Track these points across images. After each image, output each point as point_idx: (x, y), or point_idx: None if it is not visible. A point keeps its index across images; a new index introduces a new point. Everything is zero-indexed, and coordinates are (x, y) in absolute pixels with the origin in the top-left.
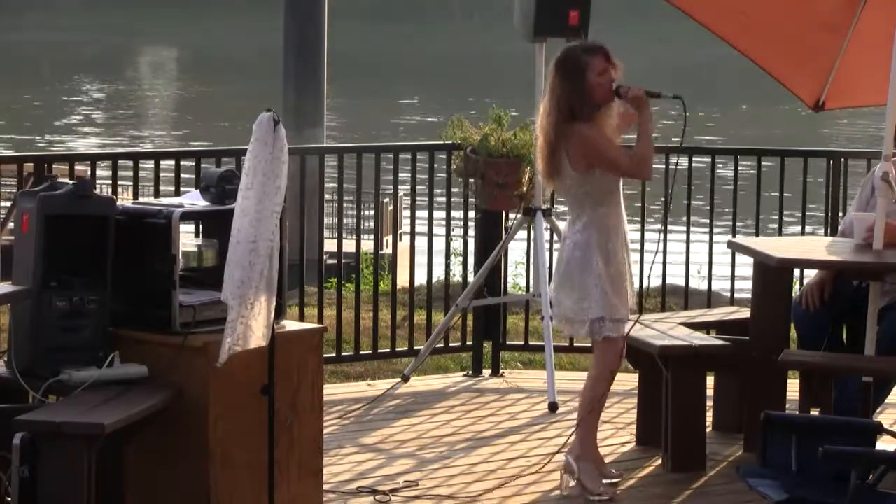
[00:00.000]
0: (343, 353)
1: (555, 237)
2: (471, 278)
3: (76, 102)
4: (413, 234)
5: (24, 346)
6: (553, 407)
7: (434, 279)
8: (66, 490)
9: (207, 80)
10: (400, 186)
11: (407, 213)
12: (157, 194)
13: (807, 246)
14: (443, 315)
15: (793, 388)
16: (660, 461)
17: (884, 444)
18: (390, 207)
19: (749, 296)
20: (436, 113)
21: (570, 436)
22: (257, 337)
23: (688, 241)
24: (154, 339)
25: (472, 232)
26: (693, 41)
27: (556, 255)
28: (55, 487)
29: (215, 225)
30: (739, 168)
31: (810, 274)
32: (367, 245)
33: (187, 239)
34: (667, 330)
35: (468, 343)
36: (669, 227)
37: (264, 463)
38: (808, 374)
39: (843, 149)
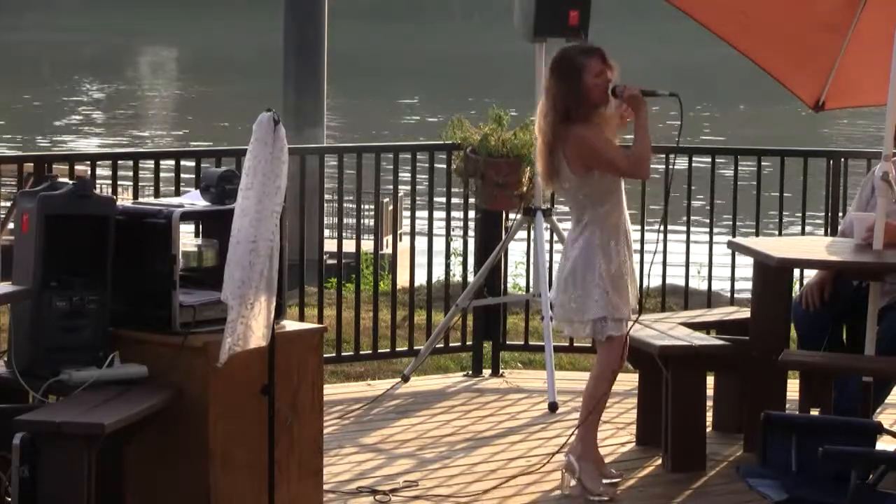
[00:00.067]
0: (343, 353)
1: (555, 237)
2: (471, 278)
3: (76, 102)
4: (413, 234)
5: (24, 346)
6: (553, 407)
7: (434, 279)
8: (66, 490)
9: (207, 80)
10: (400, 186)
11: (407, 213)
12: (157, 194)
13: (807, 246)
14: (443, 315)
15: (793, 388)
16: (660, 461)
17: (884, 444)
18: (390, 207)
19: (749, 296)
20: (436, 113)
21: (571, 436)
22: (257, 337)
23: (688, 241)
24: (154, 339)
25: (472, 232)
26: (693, 41)
27: (556, 255)
28: (55, 487)
29: (215, 225)
30: (739, 168)
31: (810, 274)
32: (367, 245)
33: (187, 239)
34: (667, 330)
35: (468, 343)
36: (669, 227)
37: (264, 463)
38: (808, 374)
39: (843, 149)
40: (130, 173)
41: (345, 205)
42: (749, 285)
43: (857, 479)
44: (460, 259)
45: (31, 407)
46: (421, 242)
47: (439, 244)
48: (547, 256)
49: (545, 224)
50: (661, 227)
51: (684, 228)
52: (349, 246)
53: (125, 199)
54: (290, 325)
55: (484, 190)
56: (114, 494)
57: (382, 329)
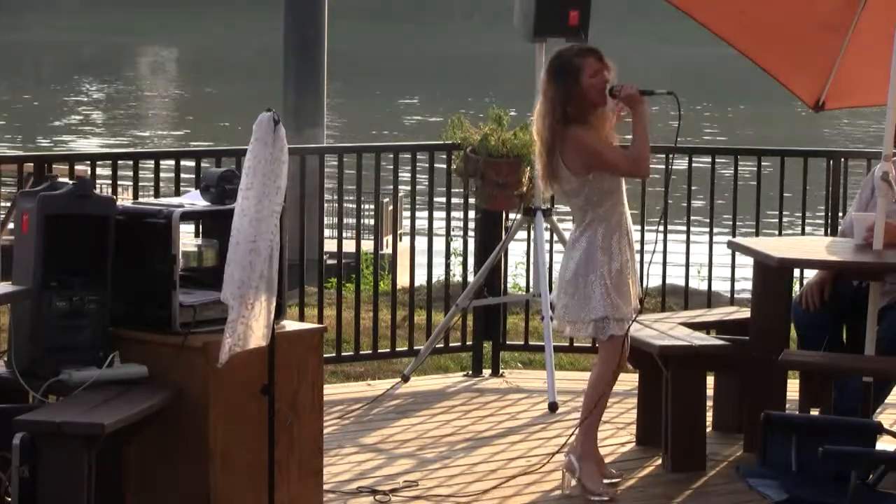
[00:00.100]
0: (343, 353)
1: (555, 237)
2: (471, 278)
3: (76, 102)
4: (413, 234)
5: (24, 346)
6: (553, 407)
7: (434, 279)
8: (66, 490)
9: (207, 80)
10: (400, 186)
11: (407, 213)
12: (157, 194)
13: (807, 246)
14: (443, 315)
15: (793, 388)
16: (660, 461)
17: (884, 444)
18: (390, 207)
19: (749, 296)
20: (436, 113)
21: (571, 436)
22: (257, 337)
23: (688, 241)
24: (154, 339)
25: (472, 232)
26: (693, 41)
27: (556, 255)
28: (55, 487)
29: (215, 225)
30: (739, 168)
31: (810, 274)
32: (367, 245)
33: (187, 239)
34: (667, 330)
35: (468, 343)
36: (669, 227)
37: (264, 463)
38: (808, 374)
39: (843, 149)
40: (130, 173)
41: (345, 205)
42: (749, 285)
43: (857, 479)
44: (460, 259)
45: (31, 407)
46: (421, 242)
47: (439, 244)
48: (547, 256)
49: (545, 224)
50: (659, 224)
51: (684, 228)
52: (349, 246)
53: (125, 199)
54: (290, 325)
55: (484, 190)
56: (114, 494)
57: (382, 329)
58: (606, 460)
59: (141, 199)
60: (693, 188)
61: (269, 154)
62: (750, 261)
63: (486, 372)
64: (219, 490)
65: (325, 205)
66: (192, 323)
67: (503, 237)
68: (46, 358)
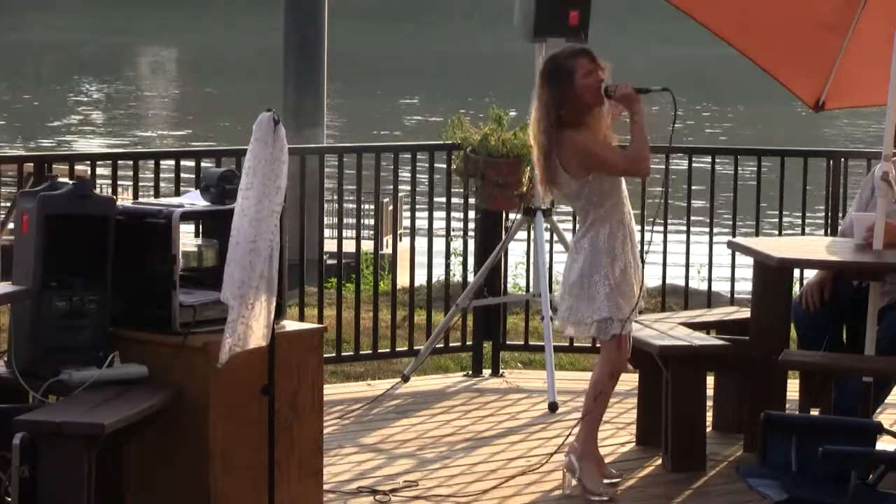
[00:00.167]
0: (343, 353)
1: (555, 237)
2: (471, 278)
3: (76, 102)
4: (413, 234)
5: (24, 346)
6: (553, 407)
7: (434, 279)
8: (66, 490)
9: (207, 80)
10: (400, 186)
11: (407, 213)
12: (157, 194)
13: (807, 246)
14: (443, 315)
15: (793, 388)
16: (660, 461)
17: (884, 444)
18: (390, 207)
19: (749, 296)
20: (436, 113)
21: (568, 435)
22: (257, 337)
23: (688, 241)
24: (154, 339)
25: (472, 232)
26: (693, 41)
27: (556, 255)
28: (55, 487)
29: (215, 225)
30: (739, 168)
31: (810, 274)
32: (367, 245)
33: (187, 239)
34: (667, 330)
35: (468, 343)
36: (669, 227)
37: (264, 463)
38: (808, 374)
39: (843, 149)
40: (130, 173)
41: (345, 205)
42: (749, 285)
43: (857, 479)
44: (460, 259)
45: (31, 407)
46: (421, 242)
47: (439, 244)
48: (547, 256)
49: (545, 224)
50: (654, 221)
51: (684, 228)
52: (349, 246)
53: (125, 199)
54: (290, 325)
55: (484, 190)
56: (114, 494)
57: (382, 329)
58: (606, 460)
59: (141, 199)
60: (693, 188)
61: (269, 154)
62: (750, 261)
63: (486, 372)
64: (219, 490)
65: (325, 205)
66: (192, 323)
67: (503, 237)
68: (46, 358)
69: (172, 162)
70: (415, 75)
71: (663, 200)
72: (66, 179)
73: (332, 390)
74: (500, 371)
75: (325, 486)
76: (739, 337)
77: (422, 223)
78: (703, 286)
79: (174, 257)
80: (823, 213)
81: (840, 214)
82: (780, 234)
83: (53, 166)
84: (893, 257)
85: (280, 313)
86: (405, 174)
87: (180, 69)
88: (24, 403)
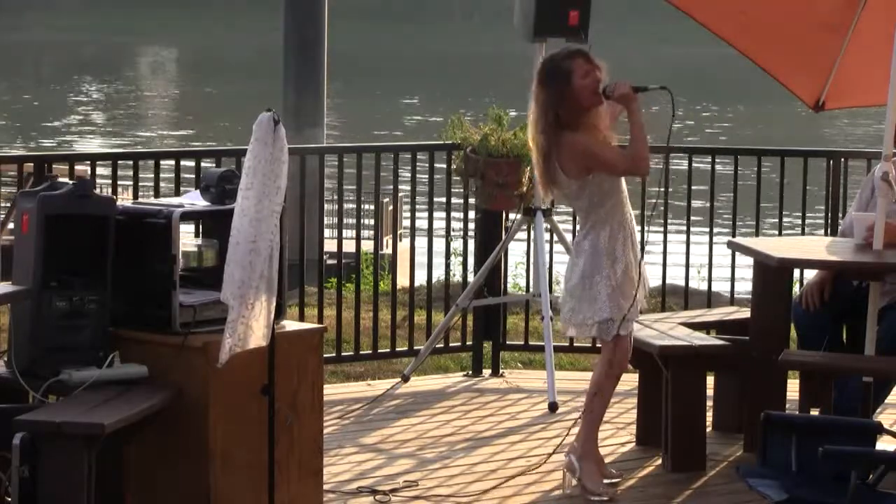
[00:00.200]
0: (343, 353)
1: (555, 237)
2: (471, 278)
3: (76, 102)
4: (413, 234)
5: (24, 346)
6: (553, 407)
7: (434, 279)
8: (66, 490)
9: (207, 80)
10: (400, 186)
11: (407, 213)
12: (157, 194)
13: (807, 246)
14: (443, 315)
15: (793, 388)
16: (660, 461)
17: (884, 444)
18: (390, 207)
19: (749, 296)
20: (436, 113)
21: (567, 435)
22: (257, 337)
23: (688, 241)
24: (154, 339)
25: (472, 232)
26: (693, 41)
27: (556, 255)
28: (55, 487)
29: (215, 225)
30: (739, 168)
31: (810, 274)
32: (367, 245)
33: (187, 239)
34: (667, 330)
35: (468, 343)
36: (669, 228)
37: (264, 463)
38: (808, 374)
39: (843, 149)
40: (130, 173)
41: (345, 205)
42: (749, 285)
43: (857, 479)
44: (460, 259)
45: (31, 407)
46: (421, 242)
47: (439, 244)
48: (547, 256)
49: (545, 224)
50: (652, 214)
51: (684, 228)
52: (349, 246)
53: (125, 199)
54: (290, 325)
55: (484, 190)
56: (114, 494)
57: (382, 329)
58: (606, 460)
59: (141, 199)
60: (693, 188)
61: (269, 154)
62: (750, 261)
63: (486, 372)
64: (219, 490)
65: (325, 205)
66: (192, 323)
67: (503, 237)
68: (46, 358)
69: (172, 162)
70: (415, 75)
71: (663, 200)
72: (66, 179)
73: (332, 390)
74: (500, 371)
75: (325, 486)
76: (739, 337)
77: (422, 223)
78: (703, 286)
79: (174, 257)
80: (823, 213)
81: (840, 214)
82: (780, 234)
83: (53, 166)
84: (893, 257)
85: (280, 313)
86: (405, 174)
87: (180, 69)
88: (24, 403)
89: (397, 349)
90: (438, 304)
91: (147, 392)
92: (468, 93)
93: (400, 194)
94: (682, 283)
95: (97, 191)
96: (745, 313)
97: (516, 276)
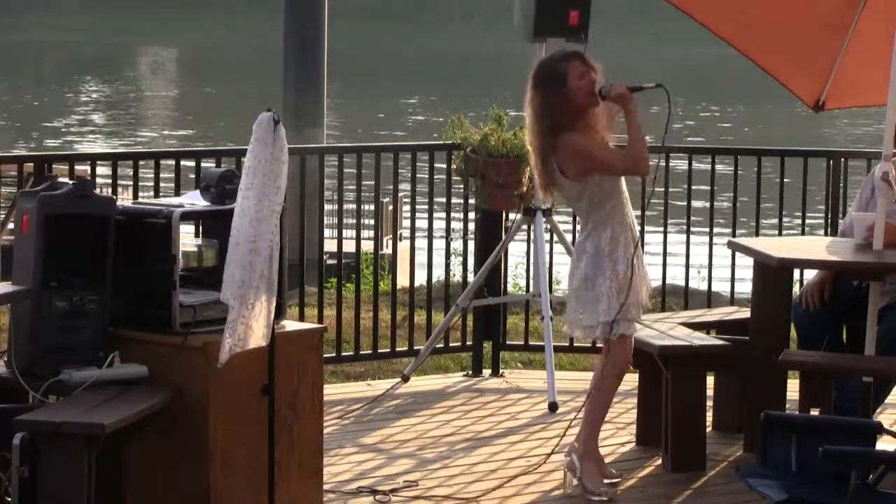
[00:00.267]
0: (343, 353)
1: (555, 237)
2: (471, 278)
3: (76, 102)
4: (413, 234)
5: (24, 346)
6: (553, 407)
7: (434, 279)
8: (66, 490)
9: (207, 80)
10: (400, 186)
11: (407, 213)
12: (157, 194)
13: (807, 246)
14: (443, 315)
15: (793, 388)
16: (660, 461)
17: (884, 444)
18: (390, 207)
19: (749, 296)
20: (436, 113)
21: (564, 434)
22: (257, 337)
23: (688, 241)
24: (154, 339)
25: (472, 232)
26: (693, 41)
27: (556, 255)
28: (55, 487)
29: (215, 225)
30: (739, 168)
31: (810, 274)
32: (367, 245)
33: (187, 239)
34: (667, 330)
35: (468, 343)
36: (669, 228)
37: (264, 463)
38: (808, 374)
39: (843, 149)
40: (130, 173)
41: (345, 205)
42: (749, 285)
43: (857, 479)
44: (460, 259)
45: (31, 407)
46: (421, 242)
47: (439, 244)
48: (547, 257)
49: (545, 224)
50: (648, 199)
51: (684, 228)
52: (349, 246)
53: (125, 199)
54: (290, 325)
55: (484, 190)
56: (114, 494)
57: (382, 329)
58: (606, 460)
59: (141, 199)
60: (693, 188)
61: (269, 154)
62: (750, 261)
63: (486, 372)
64: (219, 490)
65: (325, 205)
66: (192, 323)
67: (503, 237)
68: (46, 358)
69: (172, 162)
70: (415, 75)
71: (659, 200)
72: (66, 179)
73: (332, 390)
74: (500, 371)
75: (325, 486)
76: (739, 337)
77: (422, 223)
78: (703, 286)
79: (174, 257)
80: (823, 213)
81: (840, 214)
82: (780, 234)
83: (53, 166)
84: (893, 257)
85: (280, 313)
86: (405, 174)
87: (180, 69)
88: (24, 403)
89: (397, 349)
90: (438, 304)
91: (147, 392)
92: (468, 93)
93: (400, 194)
94: (682, 283)
95: (97, 191)
96: (745, 313)
97: (516, 276)
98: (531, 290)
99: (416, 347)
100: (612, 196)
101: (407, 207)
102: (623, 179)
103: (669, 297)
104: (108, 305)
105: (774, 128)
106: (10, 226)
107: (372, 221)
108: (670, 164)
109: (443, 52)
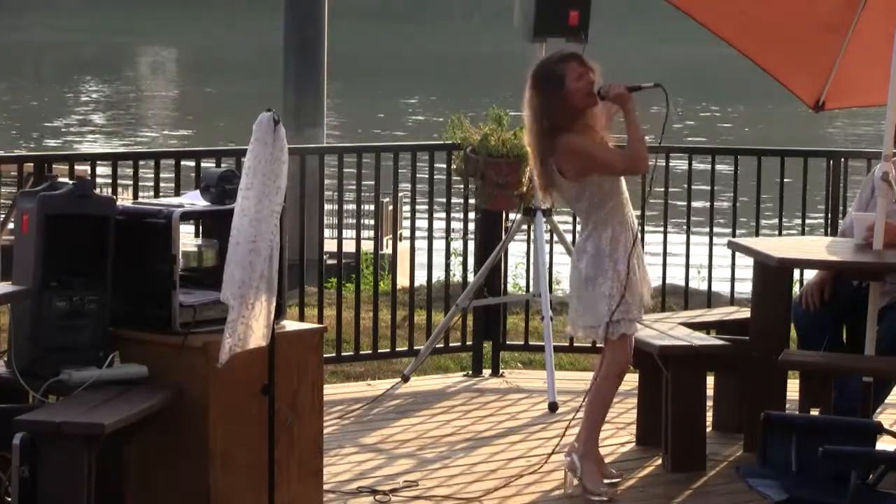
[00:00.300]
0: (343, 353)
1: (555, 237)
2: (471, 278)
3: (76, 102)
4: (413, 234)
5: (24, 346)
6: (553, 407)
7: (434, 279)
8: (66, 490)
9: (207, 80)
10: (400, 186)
11: (407, 213)
12: (157, 194)
13: (807, 246)
14: (443, 315)
15: (793, 388)
16: (660, 461)
17: (884, 444)
18: (390, 207)
19: (749, 296)
20: (436, 113)
21: (564, 434)
22: (257, 337)
23: (688, 241)
24: (154, 339)
25: (472, 232)
26: (693, 41)
27: (556, 255)
28: (55, 487)
29: (215, 225)
30: (739, 168)
31: (810, 274)
32: (367, 245)
33: (187, 239)
34: (667, 330)
35: (468, 343)
36: (669, 228)
37: (264, 463)
38: (808, 374)
39: (843, 149)
40: (130, 173)
41: (345, 205)
42: (749, 285)
43: (857, 479)
44: (460, 259)
45: (31, 407)
46: (421, 242)
47: (439, 244)
48: (547, 257)
49: (545, 224)
50: (646, 193)
51: (684, 228)
52: (349, 246)
53: (125, 199)
54: (290, 325)
55: (484, 190)
56: (114, 494)
57: (382, 329)
58: (606, 460)
59: (141, 199)
60: (693, 188)
61: (269, 154)
62: (750, 261)
63: (486, 372)
64: (219, 490)
65: (325, 205)
66: (192, 323)
67: (503, 237)
68: (46, 358)
69: (172, 162)
70: (415, 75)
71: (664, 199)
72: (66, 179)
73: (332, 390)
74: (500, 371)
75: (325, 486)
76: (739, 337)
77: (422, 223)
78: (703, 286)
79: (174, 257)
80: (823, 214)
81: (840, 214)
82: (780, 234)
83: (53, 166)
84: (893, 257)
85: (280, 313)
86: (405, 174)
87: (180, 69)
88: (24, 403)
89: (397, 349)
90: (438, 304)
91: (147, 392)
92: (468, 93)
93: (400, 194)
94: (682, 283)
95: (97, 191)
96: (745, 313)
97: (516, 276)
98: (531, 290)
99: (416, 347)
100: (611, 196)
101: (407, 207)
102: (623, 179)
103: (669, 297)
104: (108, 305)
105: (774, 128)
106: (10, 226)
107: (372, 221)
108: (670, 164)
109: (443, 52)
